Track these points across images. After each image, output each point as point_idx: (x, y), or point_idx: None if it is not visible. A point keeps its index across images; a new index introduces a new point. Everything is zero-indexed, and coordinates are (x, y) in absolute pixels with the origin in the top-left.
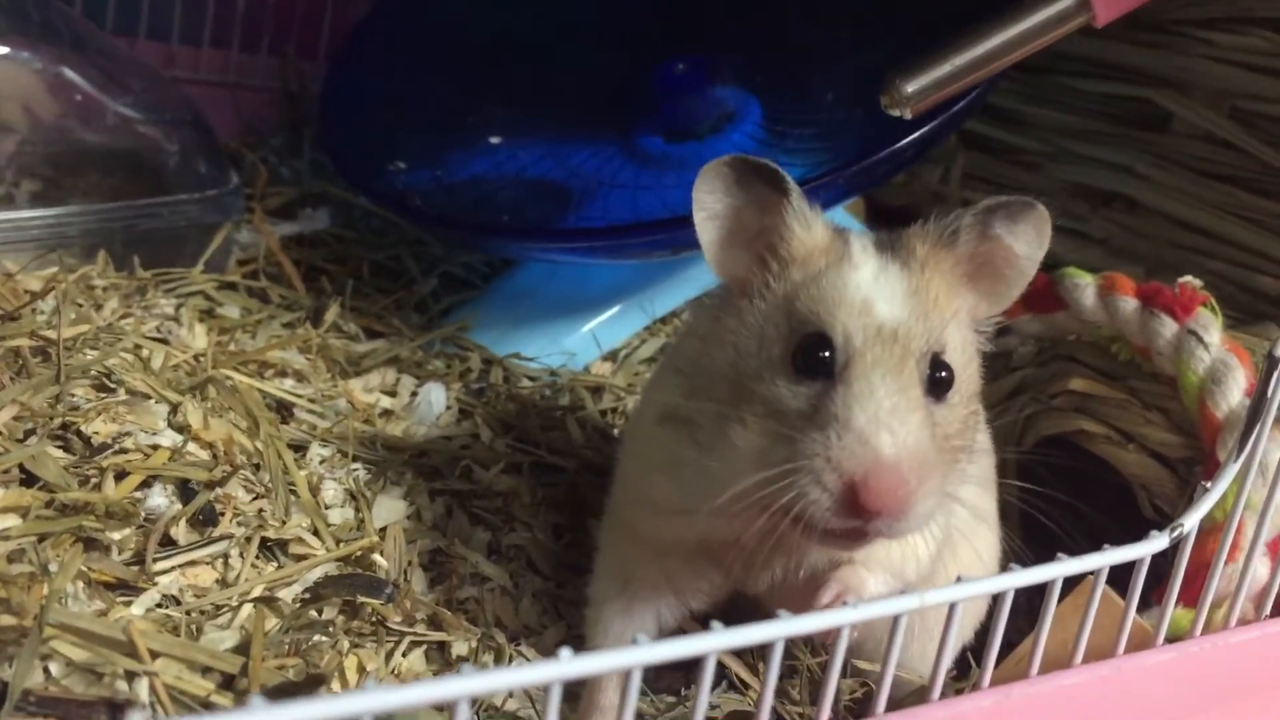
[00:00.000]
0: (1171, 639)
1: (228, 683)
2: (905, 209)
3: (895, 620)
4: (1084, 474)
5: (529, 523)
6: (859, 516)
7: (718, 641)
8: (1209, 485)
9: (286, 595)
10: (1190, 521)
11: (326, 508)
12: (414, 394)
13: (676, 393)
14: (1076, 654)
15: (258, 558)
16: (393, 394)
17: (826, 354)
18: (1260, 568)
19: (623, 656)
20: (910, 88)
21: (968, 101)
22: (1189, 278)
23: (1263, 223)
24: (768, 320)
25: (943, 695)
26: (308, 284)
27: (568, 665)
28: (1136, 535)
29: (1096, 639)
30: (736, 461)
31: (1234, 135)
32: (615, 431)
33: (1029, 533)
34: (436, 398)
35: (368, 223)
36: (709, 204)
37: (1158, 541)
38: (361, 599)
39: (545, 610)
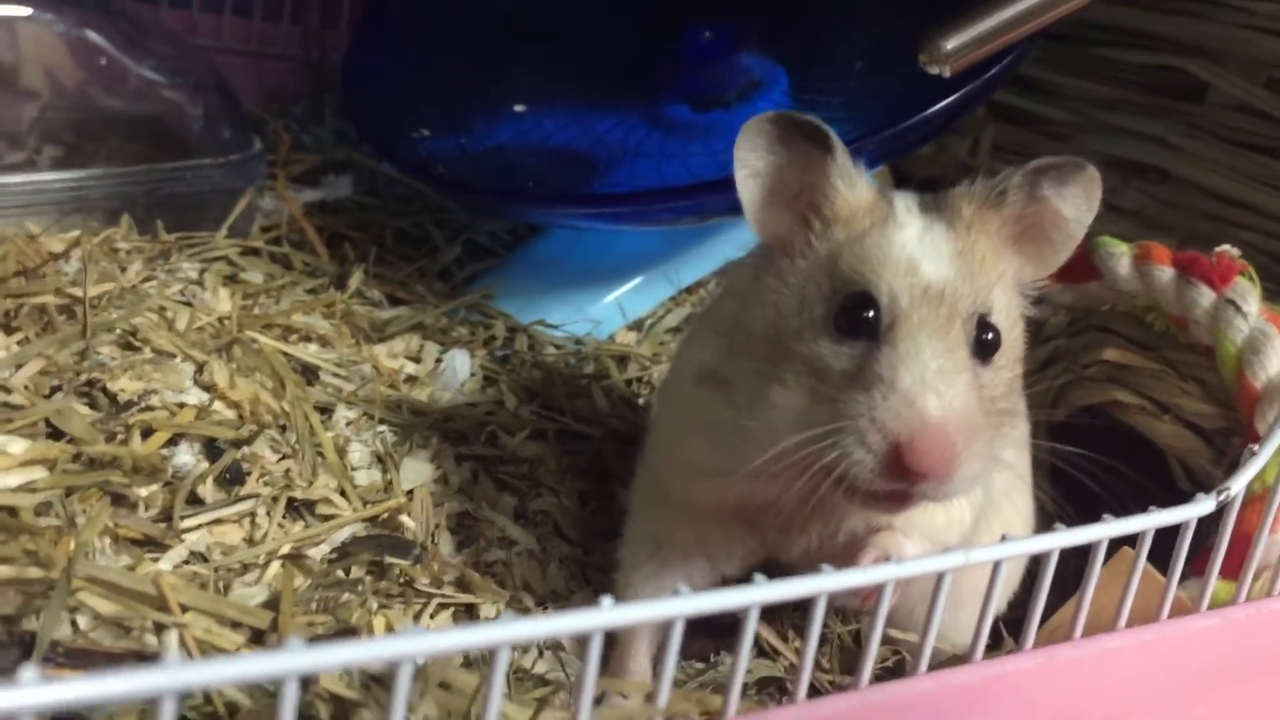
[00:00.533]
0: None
1: (257, 637)
2: (933, 180)
3: (939, 578)
4: (1115, 447)
5: (555, 489)
6: (903, 479)
7: (760, 595)
8: (1256, 449)
9: (314, 555)
10: (1237, 485)
11: (353, 469)
12: (438, 360)
13: (715, 353)
14: (1120, 619)
15: (285, 517)
16: (417, 360)
17: (871, 314)
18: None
19: (665, 607)
20: (950, 45)
21: (998, 69)
22: (1226, 246)
23: None
24: (810, 280)
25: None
26: (331, 251)
27: (610, 614)
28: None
29: (1135, 610)
30: (777, 422)
31: (1270, 105)
32: (640, 400)
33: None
34: (461, 364)
35: (391, 190)
36: (751, 161)
37: (1204, 504)
38: (389, 560)
39: (573, 576)
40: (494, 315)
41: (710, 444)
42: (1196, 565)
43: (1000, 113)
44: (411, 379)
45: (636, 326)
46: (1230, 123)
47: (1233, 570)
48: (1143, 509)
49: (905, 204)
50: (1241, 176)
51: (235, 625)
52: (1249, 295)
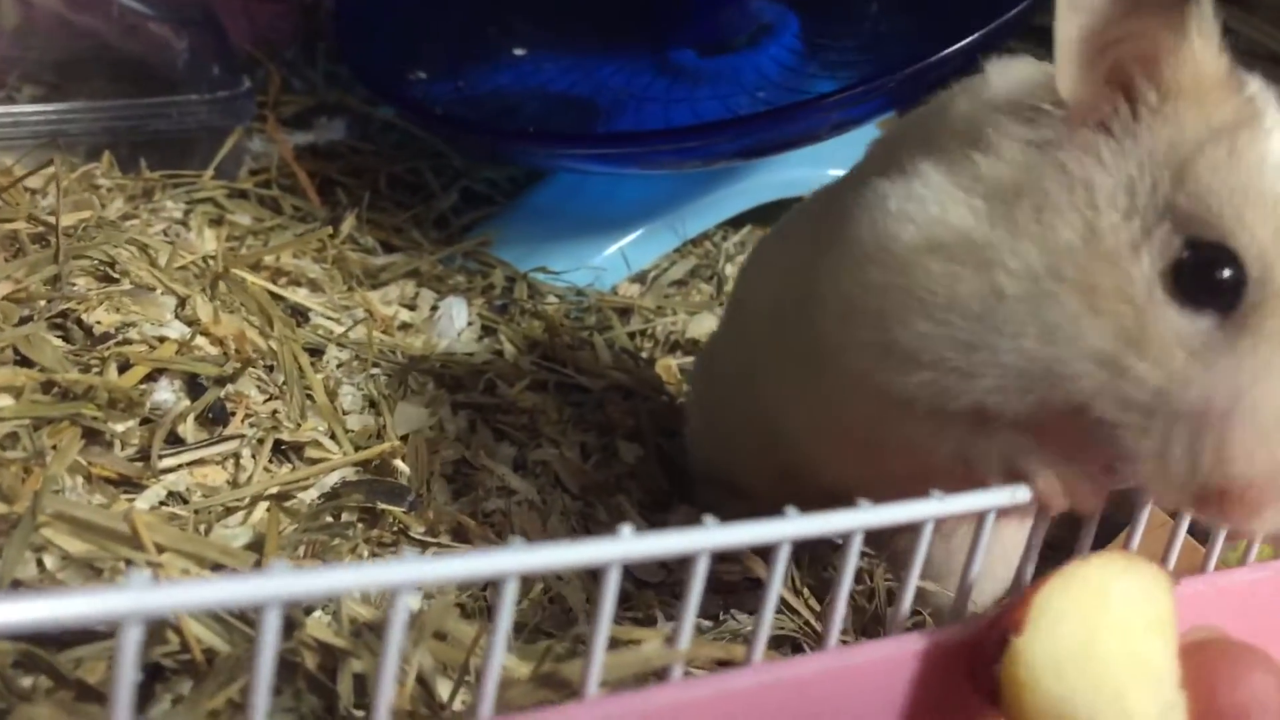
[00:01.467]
0: None
1: None
2: None
3: (981, 517)
4: None
5: (556, 440)
6: (1212, 513)
7: (793, 528)
8: None
9: (303, 498)
10: None
11: (344, 413)
12: (434, 308)
13: (975, 218)
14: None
15: (271, 460)
16: (412, 307)
17: (1227, 274)
18: None
19: (688, 539)
20: None
21: (1017, 10)
22: None
23: None
24: (1137, 184)
25: None
26: (322, 196)
27: (625, 545)
28: None
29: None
30: (1066, 357)
31: None
32: (644, 354)
33: None
34: (458, 312)
35: (385, 135)
36: None
37: None
38: (382, 506)
39: (574, 529)
40: (492, 263)
41: (944, 332)
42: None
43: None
44: (406, 326)
45: (640, 278)
46: None
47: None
48: None
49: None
50: None
51: (216, 568)
52: None
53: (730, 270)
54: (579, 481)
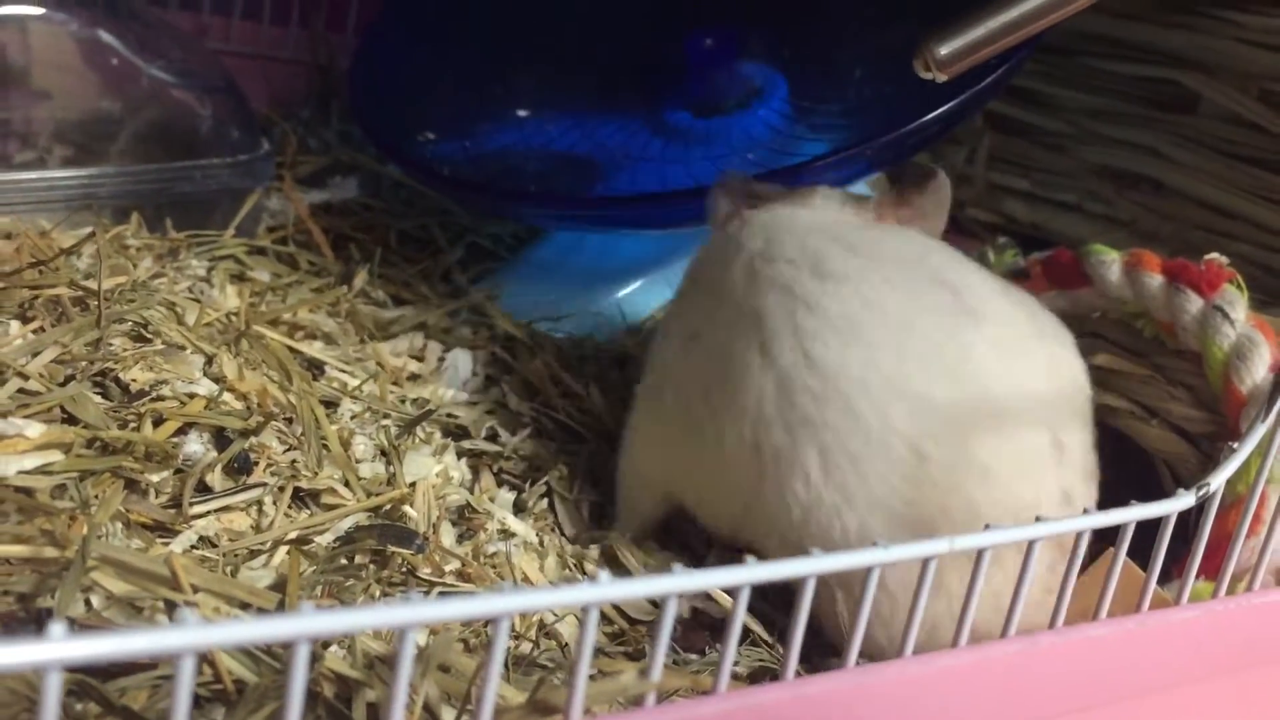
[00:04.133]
0: None
1: None
2: None
3: (925, 563)
4: (1104, 451)
5: (553, 486)
6: None
7: (751, 574)
8: (1235, 446)
9: (319, 542)
10: (1217, 481)
11: (357, 461)
12: (441, 359)
13: None
14: (1101, 611)
15: (291, 506)
16: (420, 359)
17: None
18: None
19: (659, 584)
20: (944, 50)
21: (994, 77)
22: (1215, 255)
23: None
24: None
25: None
26: (336, 251)
27: (605, 589)
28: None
29: (1116, 609)
30: None
31: (1262, 117)
32: None
33: None
34: (463, 363)
35: (396, 193)
36: None
37: (1184, 499)
38: (392, 549)
39: (570, 568)
40: (496, 316)
41: None
42: (1179, 568)
43: (996, 123)
44: (414, 377)
45: (635, 330)
46: (1222, 134)
47: (1212, 571)
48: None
49: None
50: (1232, 187)
51: (244, 606)
52: (1236, 302)
53: None
54: (575, 525)
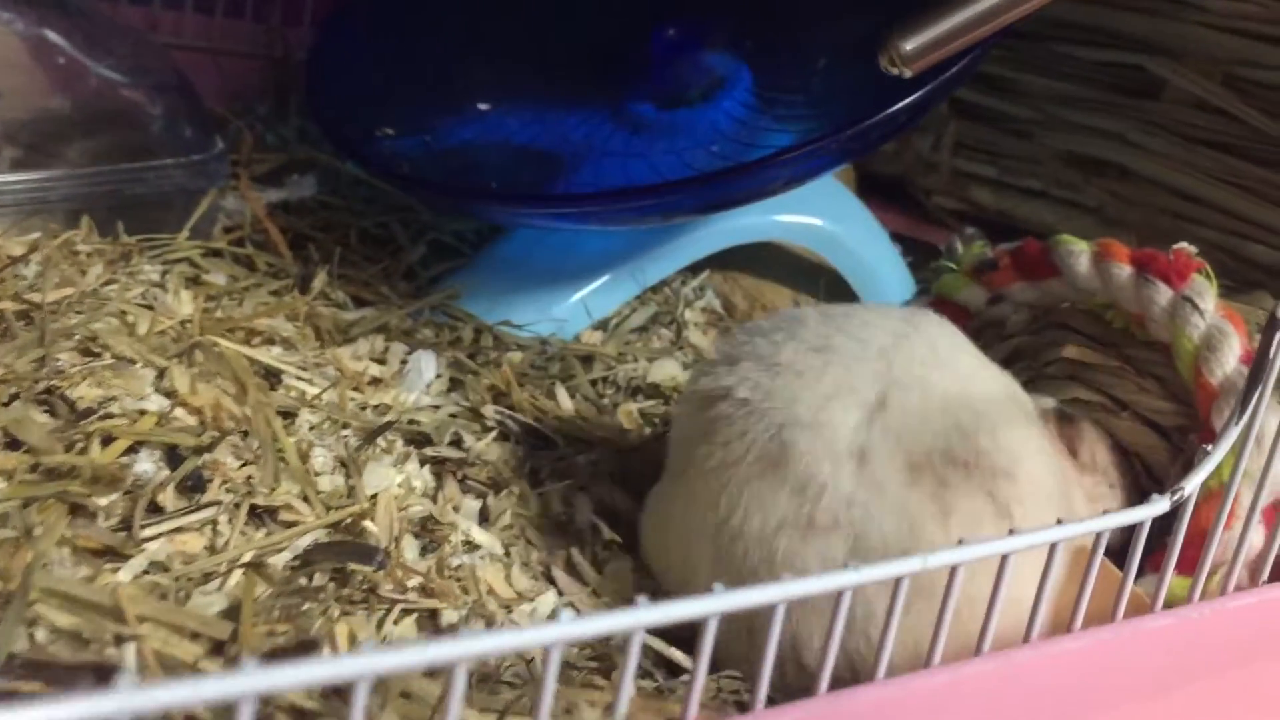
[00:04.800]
0: (1168, 606)
1: (218, 648)
2: (896, 178)
3: (897, 583)
4: None
5: (519, 491)
6: None
7: (719, 604)
8: (1210, 449)
9: (276, 562)
10: (1191, 485)
11: (316, 474)
12: (403, 362)
13: None
14: (1076, 620)
15: (247, 524)
16: (382, 362)
17: None
18: (1255, 535)
19: (620, 619)
20: (910, 46)
21: (961, 66)
22: (1184, 244)
23: (1256, 190)
24: None
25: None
26: (295, 251)
27: (567, 628)
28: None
29: (1092, 607)
30: None
31: (1228, 102)
32: (605, 400)
33: None
34: (426, 365)
35: (355, 190)
36: None
37: (1159, 505)
38: (352, 566)
39: (536, 577)
40: (459, 316)
41: None
42: (1153, 561)
43: (962, 110)
44: (376, 381)
45: (602, 326)
46: (1188, 119)
47: (1188, 566)
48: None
49: None
50: (1200, 173)
51: (194, 636)
52: (1205, 293)
53: (690, 315)
54: (541, 531)
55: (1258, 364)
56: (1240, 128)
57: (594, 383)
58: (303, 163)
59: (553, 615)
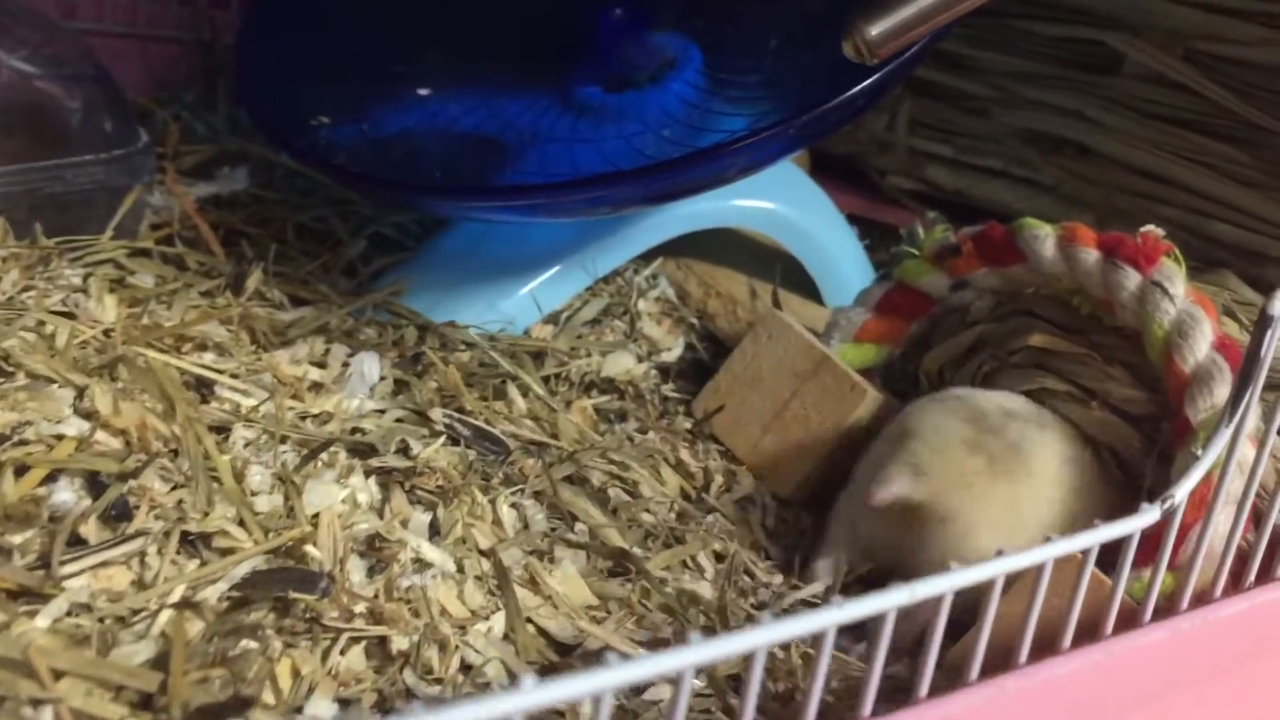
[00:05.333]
0: (1140, 602)
1: (145, 701)
2: (850, 157)
3: (883, 618)
4: None
5: (471, 499)
6: None
7: (694, 656)
8: (1199, 452)
9: (211, 594)
10: (1181, 493)
11: (253, 494)
12: (345, 365)
13: None
14: (1065, 637)
15: (178, 554)
16: (322, 365)
17: None
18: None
19: (594, 681)
20: (875, 31)
21: (921, 45)
22: (1151, 227)
23: (1218, 167)
24: None
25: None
26: (227, 248)
27: (530, 697)
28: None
29: (1061, 604)
30: None
31: (1189, 77)
32: (558, 398)
33: None
34: (369, 368)
35: (290, 182)
36: None
37: (1149, 514)
38: (294, 595)
39: (492, 592)
40: (403, 314)
41: None
42: (1136, 557)
43: (917, 87)
44: (317, 386)
45: (553, 319)
46: (1148, 95)
47: (1170, 563)
48: None
49: None
50: (1160, 150)
51: (119, 690)
52: (1175, 277)
53: (643, 306)
54: (494, 540)
55: (1249, 362)
56: (1202, 103)
57: (546, 380)
58: (233, 154)
59: (510, 633)
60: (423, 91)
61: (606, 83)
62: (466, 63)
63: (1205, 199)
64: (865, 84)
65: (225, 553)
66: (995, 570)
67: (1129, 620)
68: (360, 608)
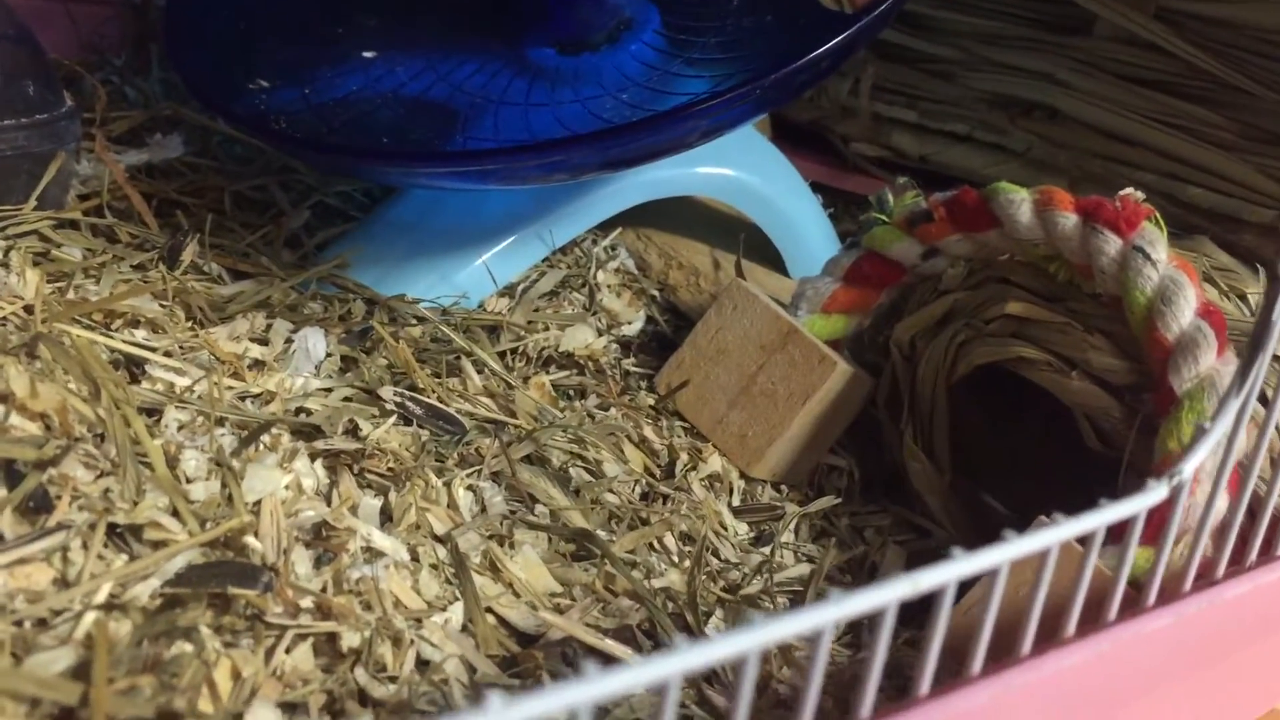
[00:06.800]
0: (1133, 582)
1: (66, 716)
2: (813, 124)
3: (883, 613)
4: (1009, 404)
5: (424, 482)
6: None
7: (686, 661)
8: (1208, 425)
9: (141, 591)
10: (1189, 468)
11: (188, 481)
12: (289, 341)
13: None
14: (1069, 625)
15: (104, 548)
16: (264, 342)
17: None
18: (1220, 504)
19: (566, 695)
20: None
21: (887, 5)
22: (1130, 190)
23: (1192, 130)
24: None
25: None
26: (160, 220)
27: (594, 687)
28: (1077, 470)
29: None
30: None
31: (1161, 37)
32: (515, 374)
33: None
34: (315, 344)
35: (228, 149)
36: None
37: (1156, 492)
38: (233, 590)
39: (449, 580)
40: (350, 287)
41: None
42: (1113, 532)
43: (881, 51)
44: (258, 364)
45: (508, 292)
46: (1119, 56)
47: (1151, 536)
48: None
49: None
50: (1132, 113)
51: (35, 704)
52: (1157, 242)
53: (602, 277)
54: (450, 525)
55: (1259, 328)
56: (1175, 64)
57: (502, 355)
58: (167, 120)
59: (469, 624)
60: (367, 54)
61: (561, 45)
62: (413, 24)
63: (1179, 162)
64: (831, 44)
65: (157, 546)
66: (1001, 558)
67: (1129, 604)
68: (306, 602)
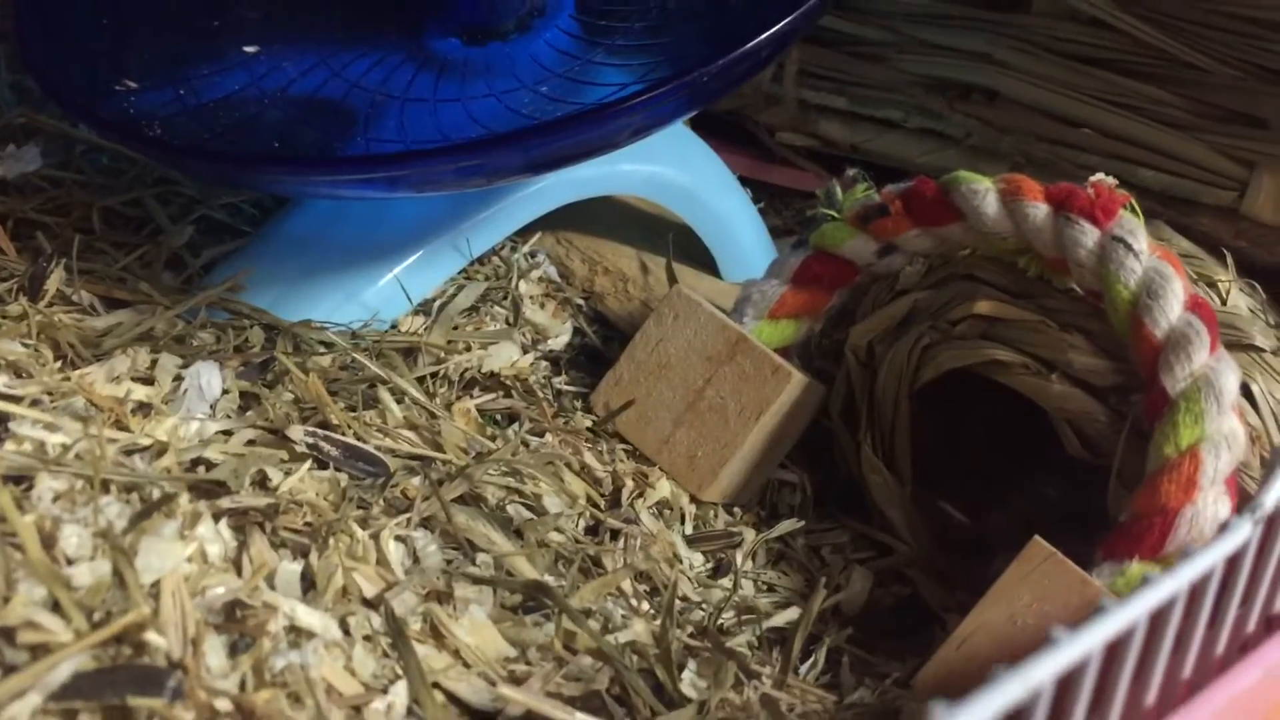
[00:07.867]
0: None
1: None
2: (734, 114)
3: None
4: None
5: (349, 537)
6: None
7: None
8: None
9: (21, 711)
10: (1271, 499)
11: (69, 564)
12: (178, 379)
13: None
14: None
15: None
16: (149, 381)
17: None
18: (1222, 507)
19: None
20: None
21: None
22: (1101, 175)
23: (1141, 109)
24: None
25: None
26: (18, 243)
27: None
28: (1058, 478)
29: (1048, 609)
30: None
31: (1105, 11)
32: (437, 400)
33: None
34: (209, 381)
35: (93, 161)
36: None
37: (1241, 531)
38: (134, 700)
39: (386, 653)
40: (245, 312)
41: None
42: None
43: (807, 34)
44: (144, 408)
45: (424, 310)
46: (1061, 34)
47: (1149, 550)
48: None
49: None
50: (1077, 93)
51: None
52: (1137, 231)
53: (525, 288)
54: (381, 586)
55: None
56: (1121, 40)
57: (421, 381)
58: (20, 129)
59: (415, 707)
60: (249, 49)
61: (467, 35)
62: (298, 14)
63: (1128, 144)
64: (773, 30)
65: (35, 651)
66: (1097, 640)
67: (1087, 603)
68: (223, 704)
